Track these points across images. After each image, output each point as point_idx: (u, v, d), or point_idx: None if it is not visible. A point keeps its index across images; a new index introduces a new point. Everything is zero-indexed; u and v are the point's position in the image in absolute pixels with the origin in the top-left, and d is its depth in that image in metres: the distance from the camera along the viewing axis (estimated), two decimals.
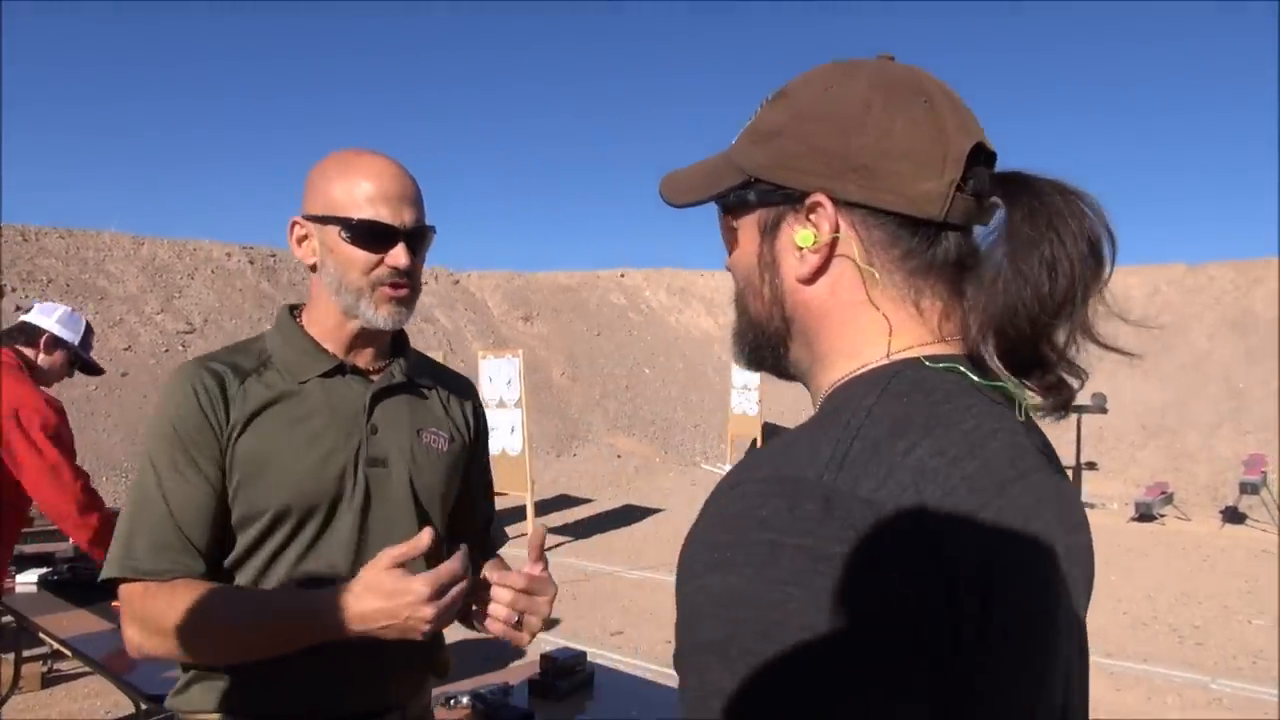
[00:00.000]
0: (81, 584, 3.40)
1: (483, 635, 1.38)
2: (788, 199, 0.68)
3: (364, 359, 1.35)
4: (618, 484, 13.45)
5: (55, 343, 3.16)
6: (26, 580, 3.50)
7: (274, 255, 15.30)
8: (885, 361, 0.65)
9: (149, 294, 13.18)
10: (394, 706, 1.33)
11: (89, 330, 3.31)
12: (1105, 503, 11.58)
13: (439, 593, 1.14)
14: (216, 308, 13.66)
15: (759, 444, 14.90)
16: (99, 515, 2.95)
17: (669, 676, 4.88)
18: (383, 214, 1.25)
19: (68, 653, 3.01)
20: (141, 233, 14.28)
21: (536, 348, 17.09)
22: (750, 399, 14.89)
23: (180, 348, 12.39)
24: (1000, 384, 0.64)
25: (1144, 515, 10.73)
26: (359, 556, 1.26)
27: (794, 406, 15.47)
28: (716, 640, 0.53)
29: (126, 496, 1.27)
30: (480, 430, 1.50)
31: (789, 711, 0.51)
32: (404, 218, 1.27)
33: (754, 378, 14.73)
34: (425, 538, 1.16)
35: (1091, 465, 13.63)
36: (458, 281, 18.45)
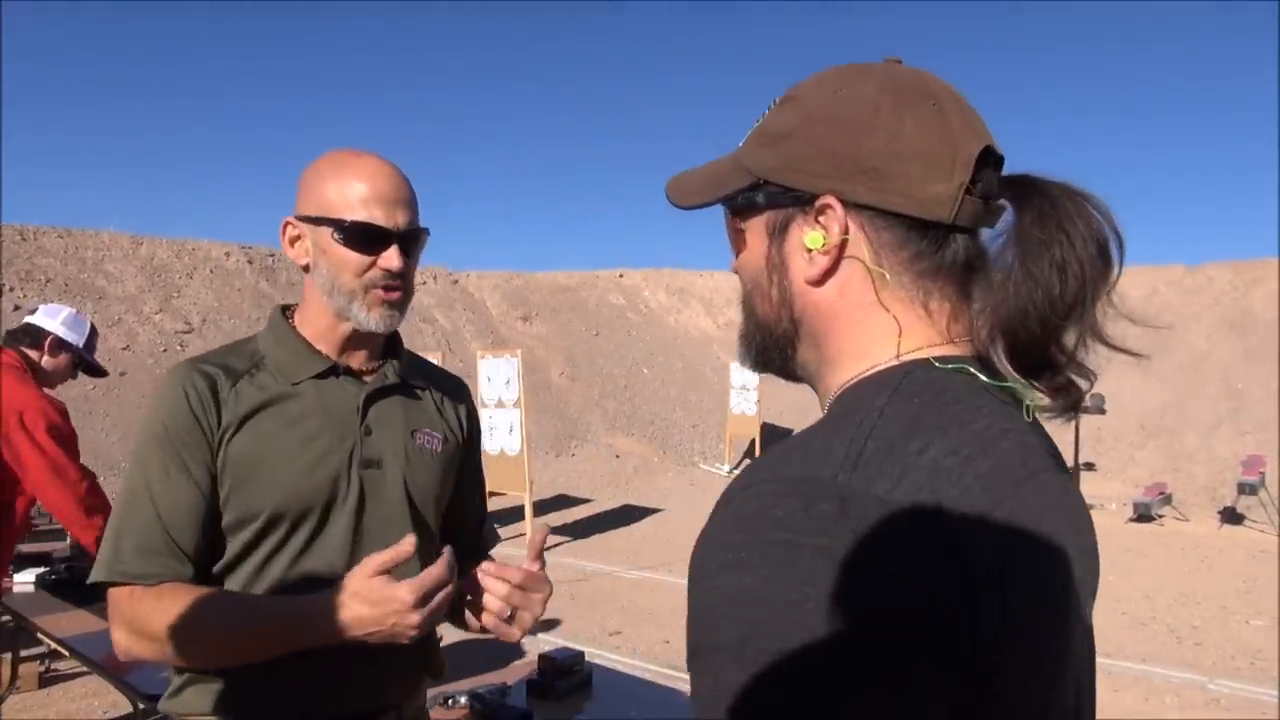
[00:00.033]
0: (79, 583, 3.39)
1: (479, 635, 1.38)
2: (797, 201, 0.68)
3: (357, 360, 1.35)
4: (616, 484, 13.45)
5: (60, 345, 3.17)
6: (24, 580, 3.50)
7: (273, 255, 15.29)
8: (895, 363, 0.66)
9: (147, 294, 13.18)
10: (389, 707, 1.33)
11: (93, 332, 3.32)
12: (1104, 503, 11.59)
13: (424, 599, 1.14)
14: (215, 307, 13.66)
15: (758, 444, 14.92)
16: (104, 516, 2.95)
17: (667, 676, 4.88)
18: (376, 216, 1.25)
19: (65, 652, 3.01)
20: (140, 232, 14.30)
21: (535, 348, 17.09)
22: (749, 399, 14.89)
23: (179, 347, 12.38)
24: (1007, 385, 0.64)
25: (1142, 516, 10.74)
26: (354, 558, 1.25)
27: (792, 407, 15.48)
28: (731, 641, 0.53)
29: (116, 499, 1.26)
30: (473, 431, 1.50)
31: (805, 712, 0.51)
32: (397, 219, 1.26)
33: (753, 378, 14.73)
34: (409, 544, 1.15)
35: (1090, 466, 13.65)
36: (456, 281, 18.45)
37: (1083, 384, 0.67)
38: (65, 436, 3.00)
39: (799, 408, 15.53)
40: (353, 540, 1.28)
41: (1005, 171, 0.69)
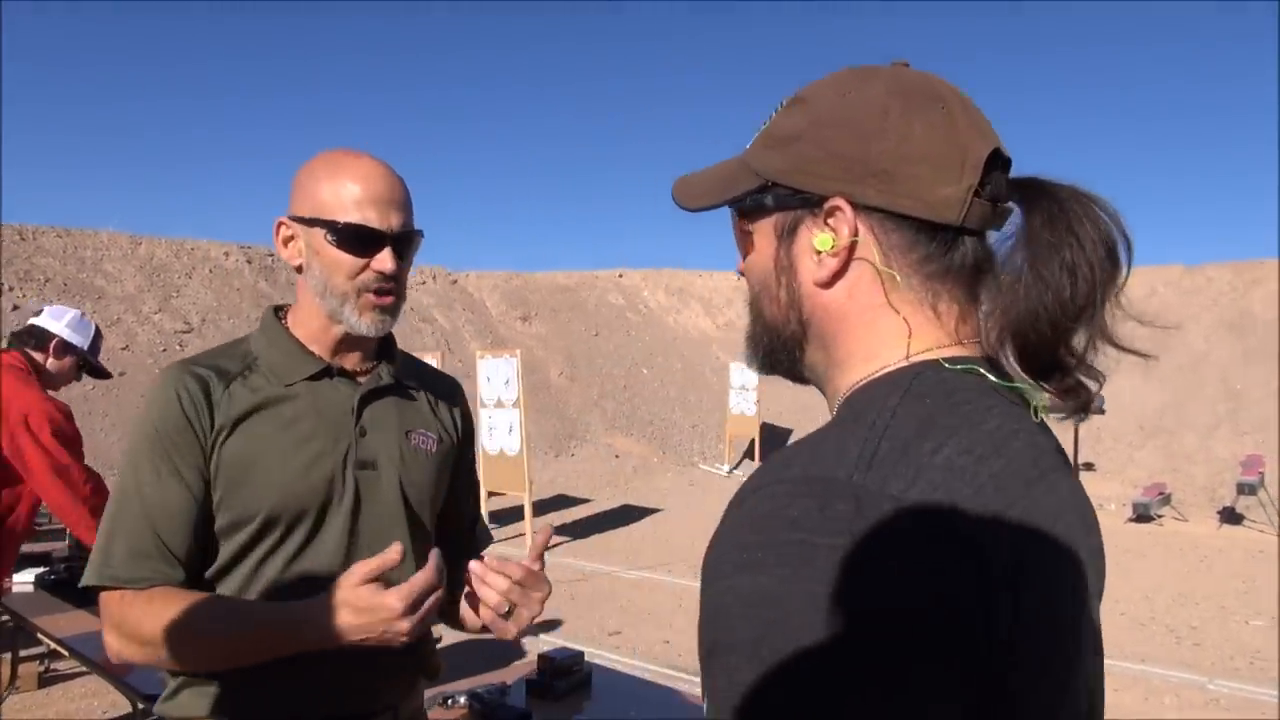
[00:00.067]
0: (78, 584, 3.38)
1: (477, 635, 1.38)
2: (806, 203, 0.68)
3: (350, 361, 1.34)
4: (615, 484, 13.45)
5: (65, 348, 3.18)
6: (23, 580, 3.50)
7: (272, 255, 15.28)
8: (905, 364, 0.66)
9: (146, 293, 13.17)
10: (385, 708, 1.33)
11: (98, 335, 3.33)
12: (1103, 504, 11.59)
13: (413, 606, 1.14)
14: (214, 307, 13.65)
15: (757, 444, 14.92)
16: None
17: (667, 676, 4.88)
18: (370, 218, 1.23)
19: (64, 652, 3.01)
20: (139, 232, 14.30)
21: (534, 348, 17.09)
22: (748, 399, 14.89)
23: (178, 347, 12.37)
24: (1015, 385, 0.65)
25: (1141, 516, 10.75)
26: (349, 559, 1.25)
27: (792, 407, 15.48)
28: (746, 641, 0.53)
29: (108, 502, 1.26)
30: (467, 431, 1.49)
31: (821, 713, 0.51)
32: (391, 222, 1.25)
33: (752, 378, 14.73)
34: (395, 552, 1.15)
35: (1089, 466, 13.66)
36: (456, 281, 18.45)
37: (1091, 386, 0.67)
38: (69, 438, 3.02)
39: (798, 408, 15.53)
40: (348, 542, 1.27)
41: (1010, 174, 0.70)
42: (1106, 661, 0.66)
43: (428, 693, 2.04)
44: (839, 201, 0.66)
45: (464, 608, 1.36)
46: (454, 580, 1.32)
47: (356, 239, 1.24)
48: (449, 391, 1.48)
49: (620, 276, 21.82)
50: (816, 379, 0.74)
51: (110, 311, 12.29)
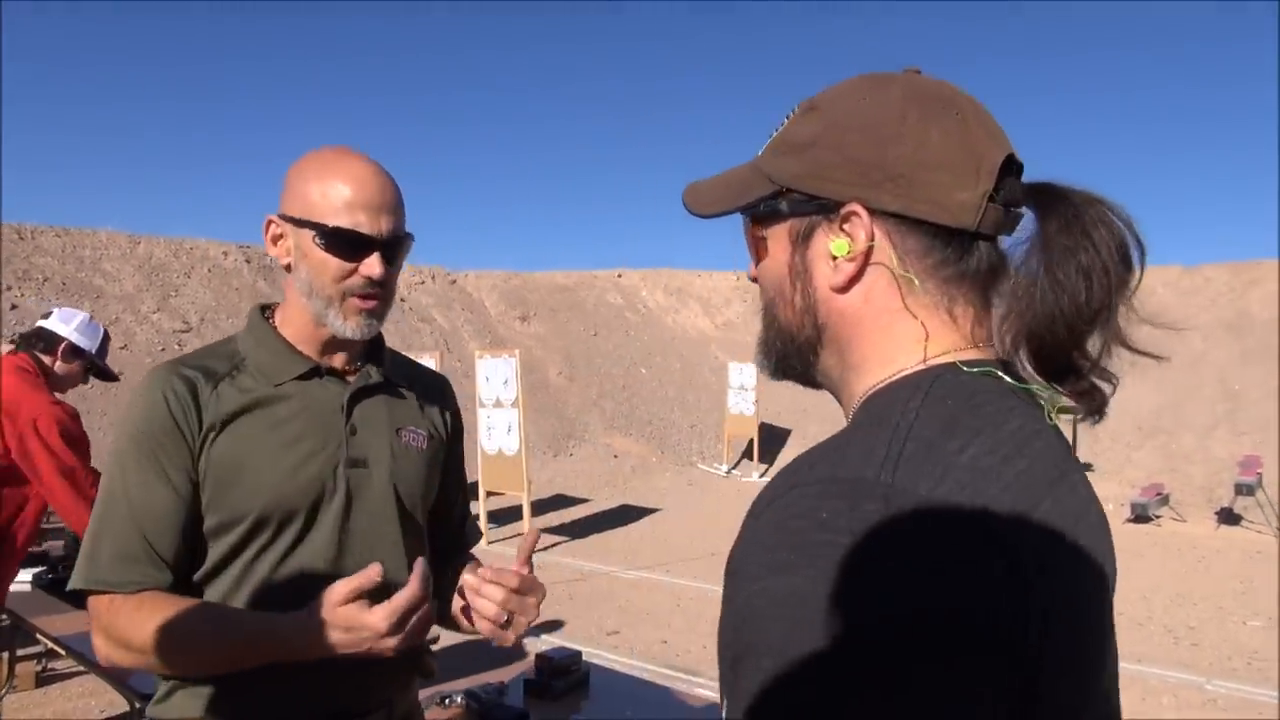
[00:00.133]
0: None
1: (475, 636, 1.38)
2: (821, 209, 0.69)
3: (339, 361, 1.33)
4: (614, 484, 13.46)
5: (73, 351, 3.18)
6: (21, 579, 3.49)
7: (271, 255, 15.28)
8: (922, 367, 0.66)
9: (145, 293, 13.16)
10: (379, 704, 1.33)
11: (106, 338, 3.33)
12: (1101, 504, 11.59)
13: (399, 625, 1.13)
14: (213, 307, 13.64)
15: (755, 444, 14.93)
16: None
17: (665, 676, 4.88)
18: (360, 222, 1.22)
19: (61, 651, 3.00)
20: (138, 231, 14.29)
21: (533, 347, 17.09)
22: (747, 399, 14.90)
23: (177, 346, 12.36)
24: (1029, 387, 0.65)
25: (1139, 516, 10.76)
26: (341, 558, 1.25)
27: (790, 407, 15.49)
28: (777, 642, 0.53)
29: (95, 505, 1.24)
30: (456, 428, 1.49)
31: (856, 712, 0.51)
32: (381, 226, 1.23)
33: (750, 378, 14.74)
34: (374, 572, 1.13)
35: (1087, 466, 13.65)
36: (455, 281, 18.44)
37: (1106, 388, 0.67)
38: (77, 441, 3.02)
39: (797, 408, 15.54)
40: (339, 541, 1.26)
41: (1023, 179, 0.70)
42: None
43: (425, 692, 2.04)
44: (855, 207, 0.67)
45: (460, 620, 1.35)
46: (444, 577, 1.31)
47: (345, 243, 1.22)
48: (438, 388, 1.48)
49: (619, 276, 21.83)
50: (831, 384, 0.74)
51: (109, 311, 12.28)
